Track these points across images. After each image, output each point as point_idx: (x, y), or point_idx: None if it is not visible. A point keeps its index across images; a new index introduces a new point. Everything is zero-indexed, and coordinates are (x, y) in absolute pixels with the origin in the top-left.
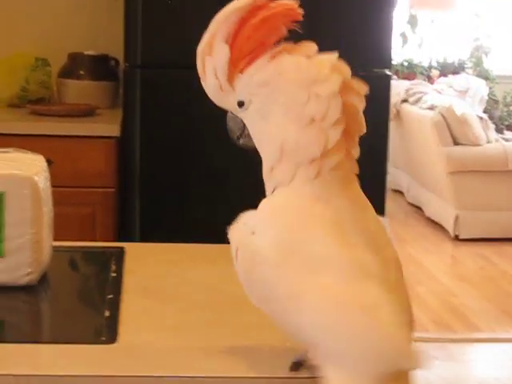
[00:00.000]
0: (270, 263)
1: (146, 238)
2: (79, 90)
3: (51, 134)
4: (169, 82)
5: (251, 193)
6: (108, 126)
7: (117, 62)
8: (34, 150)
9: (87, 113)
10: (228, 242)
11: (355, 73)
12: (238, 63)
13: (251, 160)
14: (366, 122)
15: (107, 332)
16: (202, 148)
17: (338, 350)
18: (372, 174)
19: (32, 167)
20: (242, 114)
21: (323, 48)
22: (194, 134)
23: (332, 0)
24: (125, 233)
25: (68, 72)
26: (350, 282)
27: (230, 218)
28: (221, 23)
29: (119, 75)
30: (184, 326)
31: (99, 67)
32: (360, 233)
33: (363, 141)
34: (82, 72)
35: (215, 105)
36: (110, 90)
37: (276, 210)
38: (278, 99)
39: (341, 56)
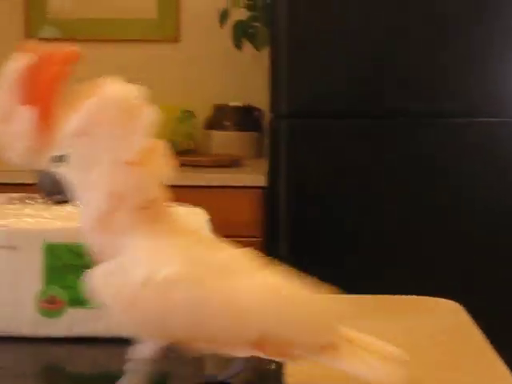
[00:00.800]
0: (193, 287)
1: None
2: (224, 141)
3: (198, 184)
4: (315, 131)
5: (404, 243)
6: (254, 177)
7: (261, 112)
8: (180, 200)
9: (233, 163)
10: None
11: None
12: (45, 120)
13: (403, 208)
14: None
15: (274, 383)
16: (350, 199)
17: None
18: None
19: (195, 220)
20: (59, 168)
21: (471, 97)
22: (341, 184)
23: (479, 50)
24: None
25: (213, 123)
26: (254, 274)
27: (382, 269)
28: (8, 88)
29: (263, 125)
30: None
31: (244, 118)
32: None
33: None
34: (226, 123)
35: (362, 156)
36: (255, 140)
37: (153, 250)
38: (98, 146)
39: (490, 105)
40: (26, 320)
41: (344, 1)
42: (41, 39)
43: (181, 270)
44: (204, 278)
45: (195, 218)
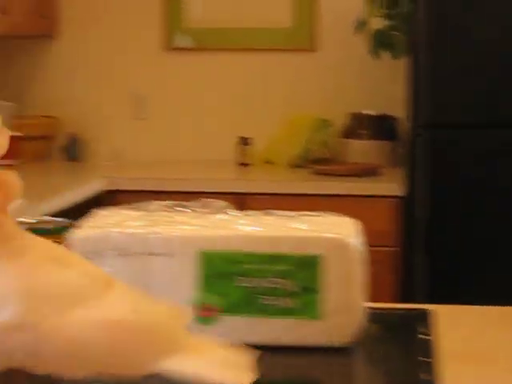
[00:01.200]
0: (30, 331)
1: (432, 299)
2: (360, 150)
3: (334, 193)
4: (457, 142)
5: None
6: (391, 186)
7: (396, 121)
8: (317, 209)
9: (368, 172)
10: None
11: None
12: None
13: None
14: None
15: None
16: (491, 211)
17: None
18: None
19: (347, 230)
20: None
21: None
22: (483, 195)
23: None
24: (408, 293)
25: (349, 132)
26: (99, 299)
27: None
28: None
29: (398, 134)
30: None
31: (379, 126)
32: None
33: None
34: (362, 131)
35: (506, 167)
36: (390, 149)
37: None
38: None
39: None
40: None
41: (486, 9)
42: (175, 48)
43: (17, 312)
44: (42, 318)
45: (348, 227)
